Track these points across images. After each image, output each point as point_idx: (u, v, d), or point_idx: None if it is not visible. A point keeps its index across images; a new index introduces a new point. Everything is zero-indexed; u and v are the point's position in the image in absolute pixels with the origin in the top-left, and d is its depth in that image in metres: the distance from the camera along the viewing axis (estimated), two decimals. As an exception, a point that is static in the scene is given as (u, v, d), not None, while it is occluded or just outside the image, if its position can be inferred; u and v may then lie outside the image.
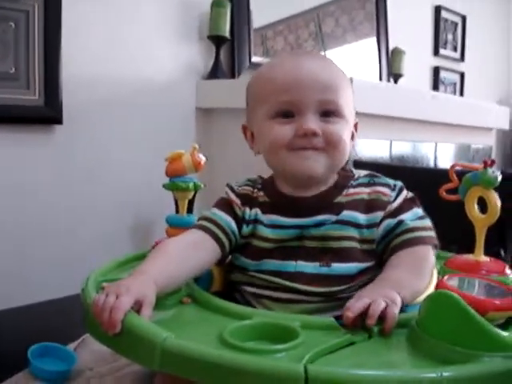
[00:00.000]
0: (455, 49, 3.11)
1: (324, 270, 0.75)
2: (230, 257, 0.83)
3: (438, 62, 2.99)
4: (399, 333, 0.60)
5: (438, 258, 0.78)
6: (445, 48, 3.02)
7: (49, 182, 1.47)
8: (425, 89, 2.84)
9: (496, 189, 0.78)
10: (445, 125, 2.09)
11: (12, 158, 1.39)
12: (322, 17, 2.21)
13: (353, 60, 2.31)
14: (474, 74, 3.22)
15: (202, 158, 1.22)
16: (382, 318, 0.59)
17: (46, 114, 1.41)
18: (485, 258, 0.79)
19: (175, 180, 1.28)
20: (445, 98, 2.25)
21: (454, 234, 0.92)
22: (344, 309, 0.61)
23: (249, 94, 0.84)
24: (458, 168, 0.83)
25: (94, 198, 1.55)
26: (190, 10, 1.77)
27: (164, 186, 1.29)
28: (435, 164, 2.16)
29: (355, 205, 0.77)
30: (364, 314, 0.59)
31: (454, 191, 0.83)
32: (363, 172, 0.82)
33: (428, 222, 0.78)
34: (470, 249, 0.80)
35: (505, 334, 0.54)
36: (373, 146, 1.78)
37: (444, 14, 2.97)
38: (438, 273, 0.79)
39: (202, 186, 1.31)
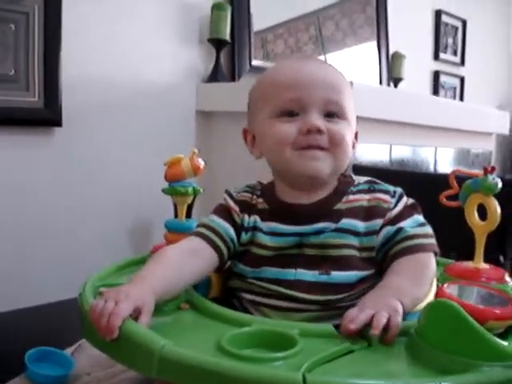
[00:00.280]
0: (455, 53, 3.11)
1: (323, 278, 0.74)
2: (228, 263, 0.83)
3: (438, 66, 2.99)
4: (399, 341, 0.59)
5: (437, 264, 0.77)
6: (445, 52, 3.02)
7: (48, 183, 1.47)
8: (425, 93, 2.84)
9: (496, 195, 0.78)
10: (445, 129, 2.09)
11: (12, 160, 1.39)
12: (323, 20, 2.21)
13: (353, 64, 2.31)
14: (474, 79, 3.22)
15: (201, 163, 1.21)
16: (385, 328, 0.58)
17: (46, 116, 1.41)
18: (484, 265, 0.79)
19: (174, 185, 1.28)
20: (445, 103, 2.25)
21: (453, 241, 0.91)
22: (344, 318, 0.60)
23: (252, 97, 0.84)
24: (458, 174, 0.83)
25: (93, 198, 1.56)
26: (190, 13, 1.77)
27: (163, 190, 1.28)
28: (435, 168, 2.15)
29: (355, 212, 0.76)
30: (368, 324, 0.58)
31: (454, 197, 0.83)
32: (363, 178, 0.81)
33: (429, 229, 0.77)
34: (470, 256, 0.80)
35: (504, 343, 0.54)
36: (373, 150, 1.77)
37: (444, 18, 2.97)
38: (438, 280, 0.78)
39: (201, 190, 1.30)
